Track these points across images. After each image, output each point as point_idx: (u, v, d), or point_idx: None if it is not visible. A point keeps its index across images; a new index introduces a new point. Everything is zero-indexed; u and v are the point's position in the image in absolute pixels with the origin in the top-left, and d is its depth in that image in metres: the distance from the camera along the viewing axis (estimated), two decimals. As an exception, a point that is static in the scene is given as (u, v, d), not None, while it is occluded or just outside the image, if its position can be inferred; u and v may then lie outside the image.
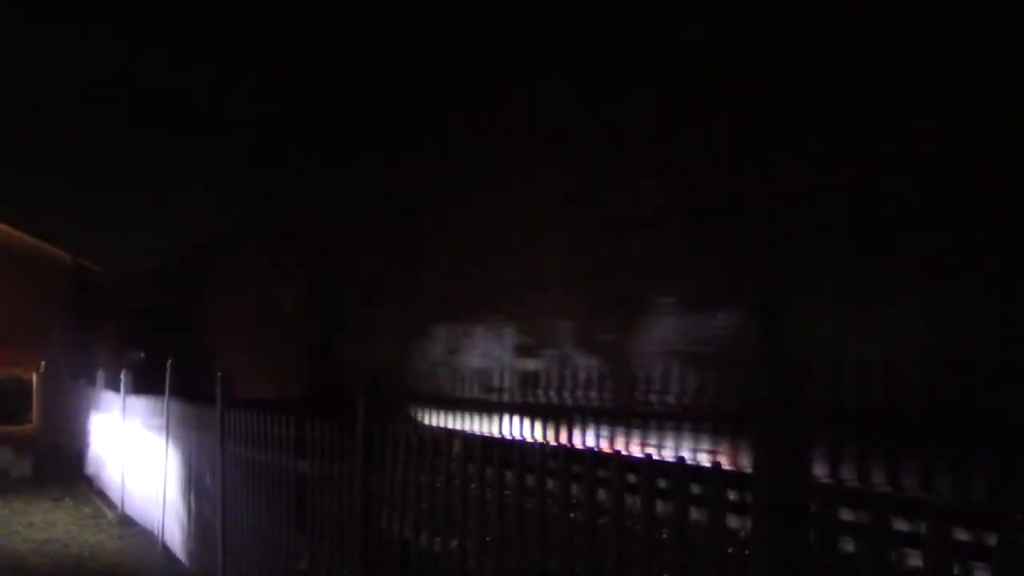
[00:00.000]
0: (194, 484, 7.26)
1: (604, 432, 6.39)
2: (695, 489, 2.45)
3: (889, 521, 2.04)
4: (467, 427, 7.76)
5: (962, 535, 3.54)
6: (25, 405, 15.97)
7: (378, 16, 6.56)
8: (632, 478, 2.64)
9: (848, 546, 2.28)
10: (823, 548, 2.04)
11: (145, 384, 9.73)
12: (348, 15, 6.61)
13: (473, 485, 3.35)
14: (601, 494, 2.71)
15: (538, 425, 7.06)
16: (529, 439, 7.03)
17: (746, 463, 4.95)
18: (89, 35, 7.34)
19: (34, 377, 16.11)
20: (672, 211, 6.11)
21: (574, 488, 2.82)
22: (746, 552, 2.53)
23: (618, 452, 2.70)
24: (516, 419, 7.26)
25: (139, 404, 9.48)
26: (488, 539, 3.27)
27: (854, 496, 3.56)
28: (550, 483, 2.93)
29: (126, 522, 9.69)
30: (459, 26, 6.60)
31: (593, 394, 6.60)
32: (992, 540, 1.83)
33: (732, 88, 5.62)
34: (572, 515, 2.82)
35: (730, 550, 2.63)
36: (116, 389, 10.64)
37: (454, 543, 3.49)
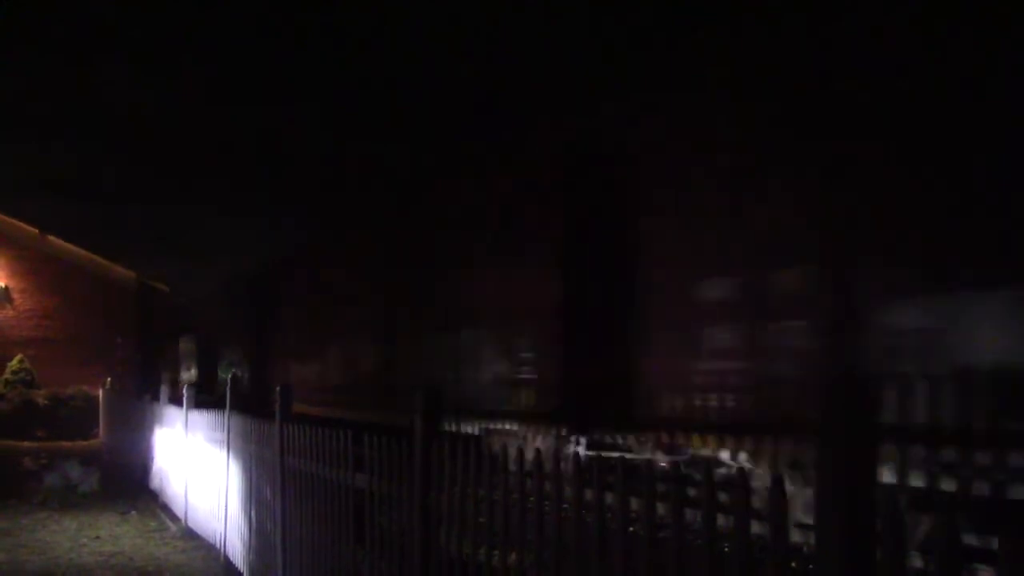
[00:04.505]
0: (254, 498, 7.35)
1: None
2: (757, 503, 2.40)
3: (959, 537, 1.98)
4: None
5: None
6: (92, 420, 16.38)
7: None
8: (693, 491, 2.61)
9: (916, 562, 2.23)
10: (891, 564, 1.99)
11: (210, 398, 9.84)
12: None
13: (531, 499, 3.34)
14: (661, 508, 2.68)
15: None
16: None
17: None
18: (160, 71, 7.54)
19: (100, 393, 16.52)
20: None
21: (633, 502, 2.79)
22: (810, 567, 2.48)
23: (676, 465, 2.66)
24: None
25: (201, 419, 9.65)
26: (546, 554, 3.25)
27: (922, 507, 3.48)
28: (609, 497, 2.91)
29: (189, 535, 9.86)
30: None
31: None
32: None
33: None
34: (632, 528, 2.80)
35: (793, 564, 2.58)
36: (179, 404, 10.84)
37: (512, 558, 3.48)
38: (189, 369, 17.84)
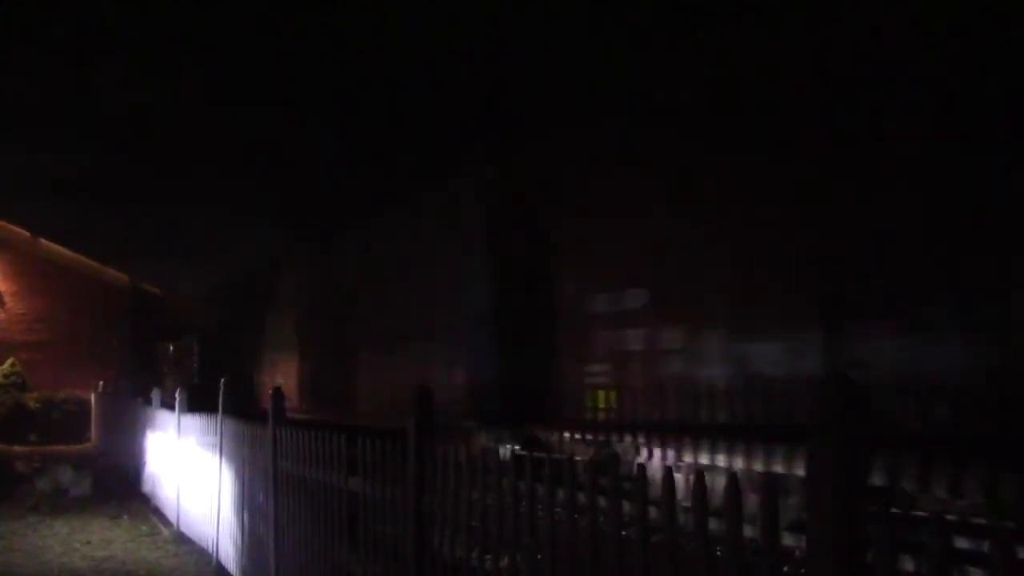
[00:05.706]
0: (247, 502, 7.34)
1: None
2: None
3: (950, 541, 1.99)
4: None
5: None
6: (84, 424, 16.32)
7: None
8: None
9: (907, 565, 2.24)
10: (882, 568, 2.00)
11: (205, 402, 9.80)
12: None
13: (523, 503, 3.35)
14: (653, 512, 2.69)
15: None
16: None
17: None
18: (160, 71, 7.53)
19: (93, 396, 16.46)
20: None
21: (626, 506, 2.80)
22: (801, 571, 2.49)
23: (669, 469, 2.68)
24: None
25: (193, 422, 9.62)
26: (539, 557, 3.26)
27: (913, 518, 3.49)
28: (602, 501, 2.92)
29: (181, 540, 9.82)
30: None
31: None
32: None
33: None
34: (624, 533, 2.81)
35: (785, 568, 2.59)
36: (171, 408, 10.81)
37: (504, 561, 3.48)
38: (183, 372, 17.82)
